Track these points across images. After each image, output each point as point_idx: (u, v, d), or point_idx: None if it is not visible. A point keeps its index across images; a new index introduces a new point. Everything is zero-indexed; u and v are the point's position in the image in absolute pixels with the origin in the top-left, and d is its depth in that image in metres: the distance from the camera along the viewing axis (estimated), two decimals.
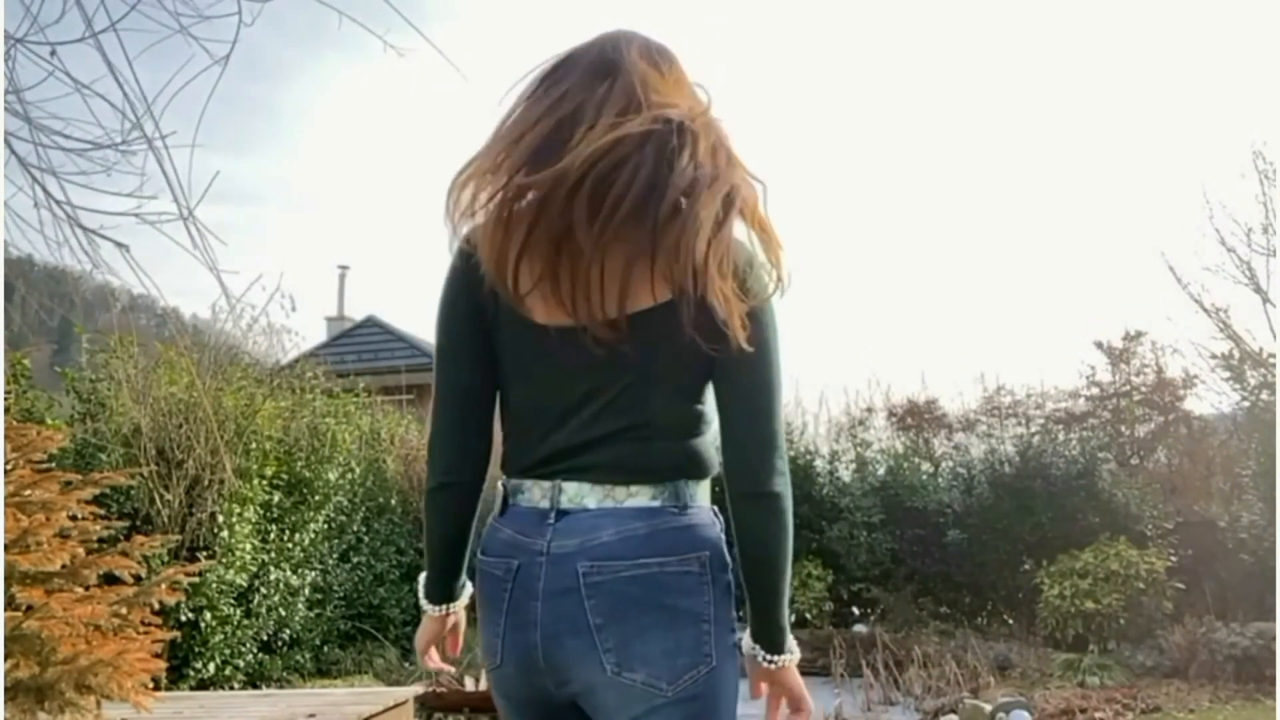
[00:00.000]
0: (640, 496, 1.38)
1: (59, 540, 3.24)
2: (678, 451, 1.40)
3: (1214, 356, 7.82)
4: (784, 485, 1.39)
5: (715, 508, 1.45)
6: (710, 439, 1.44)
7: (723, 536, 1.42)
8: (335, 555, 7.50)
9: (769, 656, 1.42)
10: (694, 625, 1.35)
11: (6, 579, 3.04)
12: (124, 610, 3.37)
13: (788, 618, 1.43)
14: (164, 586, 3.53)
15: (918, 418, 9.00)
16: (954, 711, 5.65)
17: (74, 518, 3.41)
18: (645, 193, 1.29)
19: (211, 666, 6.13)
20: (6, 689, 2.92)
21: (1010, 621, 8.09)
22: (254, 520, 6.57)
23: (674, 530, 1.37)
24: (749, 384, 1.38)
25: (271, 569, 6.69)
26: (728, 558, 1.41)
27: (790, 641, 1.43)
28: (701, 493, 1.43)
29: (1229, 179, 8.08)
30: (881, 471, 8.78)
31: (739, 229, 1.37)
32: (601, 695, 1.37)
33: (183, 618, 5.81)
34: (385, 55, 2.41)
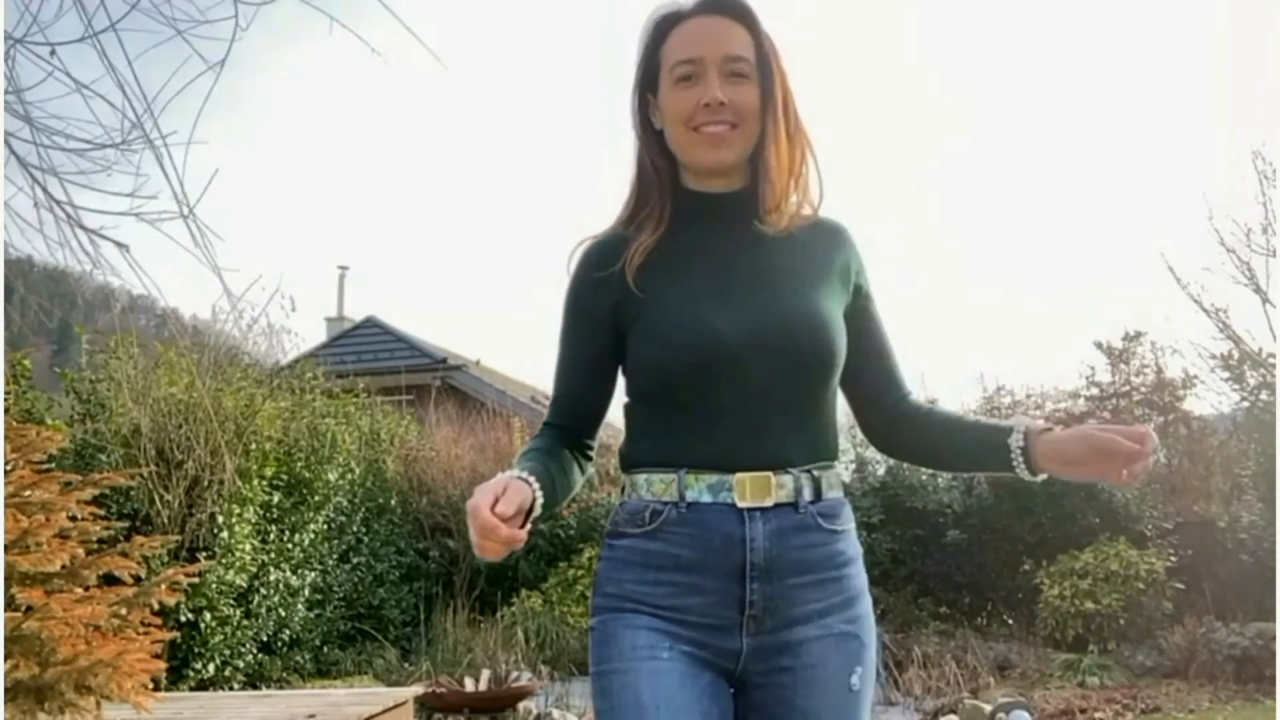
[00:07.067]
0: None
1: (59, 541, 3.23)
2: None
3: (1214, 357, 7.82)
4: None
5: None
6: None
7: None
8: (335, 556, 7.50)
9: None
10: None
11: (6, 580, 3.04)
12: (124, 611, 3.37)
13: None
14: (164, 587, 3.53)
15: None
16: (954, 712, 5.65)
17: (74, 518, 3.40)
18: None
19: (211, 667, 6.13)
20: (6, 689, 2.92)
21: (1010, 621, 8.08)
22: (254, 521, 6.57)
23: None
24: None
25: (271, 569, 6.68)
26: None
27: None
28: None
29: (1229, 179, 8.06)
30: (881, 471, 8.76)
31: None
32: None
33: (182, 618, 5.81)
34: (369, 52, 2.40)
